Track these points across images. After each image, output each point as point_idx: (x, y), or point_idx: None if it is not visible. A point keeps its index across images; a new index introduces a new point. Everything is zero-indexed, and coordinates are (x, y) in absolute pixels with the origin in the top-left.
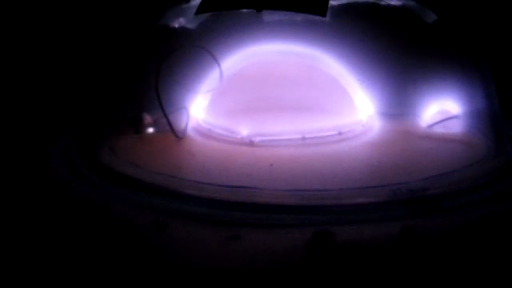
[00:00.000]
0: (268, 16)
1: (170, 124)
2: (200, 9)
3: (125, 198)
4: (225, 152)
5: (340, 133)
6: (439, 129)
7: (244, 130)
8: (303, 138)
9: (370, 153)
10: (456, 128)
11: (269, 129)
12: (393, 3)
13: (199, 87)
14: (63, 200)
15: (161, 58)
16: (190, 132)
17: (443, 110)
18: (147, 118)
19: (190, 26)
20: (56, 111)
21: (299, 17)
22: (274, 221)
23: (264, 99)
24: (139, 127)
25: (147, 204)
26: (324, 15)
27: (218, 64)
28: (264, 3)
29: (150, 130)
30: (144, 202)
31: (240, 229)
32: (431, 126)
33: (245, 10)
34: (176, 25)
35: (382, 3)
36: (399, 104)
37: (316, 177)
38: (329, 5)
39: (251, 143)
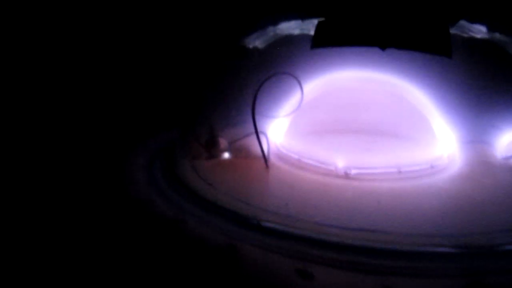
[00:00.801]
0: None
1: (263, 153)
2: (317, 43)
3: (237, 236)
4: (322, 185)
5: (432, 167)
6: None
7: (339, 161)
8: (399, 172)
9: (466, 187)
10: None
11: (364, 161)
12: (477, 35)
13: (276, 112)
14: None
15: (259, 84)
16: (273, 158)
17: None
18: (223, 142)
19: (270, 49)
20: (136, 123)
21: None
22: (423, 270)
23: (347, 125)
24: (214, 151)
25: (264, 245)
26: (449, 56)
27: (301, 89)
28: (388, 41)
29: (226, 155)
30: (264, 243)
31: (389, 279)
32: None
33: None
34: (258, 47)
35: (465, 35)
36: (477, 132)
37: (439, 219)
38: None
39: (346, 176)
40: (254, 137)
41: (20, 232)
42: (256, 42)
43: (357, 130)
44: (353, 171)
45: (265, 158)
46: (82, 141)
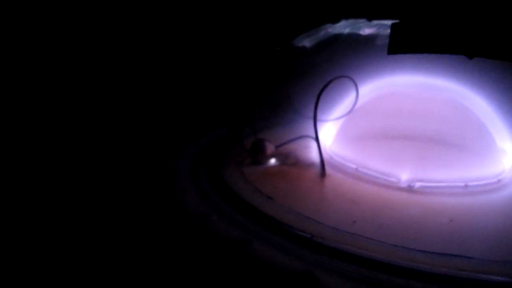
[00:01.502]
0: None
1: (322, 161)
2: (394, 48)
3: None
4: (385, 199)
5: (499, 181)
6: None
7: (402, 173)
8: (466, 186)
9: None
10: None
11: (427, 174)
12: None
13: (325, 115)
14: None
15: (321, 89)
16: (325, 166)
17: None
18: (270, 147)
19: (319, 49)
20: (177, 125)
21: None
22: None
23: (402, 133)
24: (260, 157)
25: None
26: None
27: (357, 92)
28: (475, 49)
29: (272, 161)
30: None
31: None
32: None
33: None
34: (306, 47)
35: None
36: None
37: None
38: None
39: (409, 189)
40: (301, 142)
41: (61, 243)
42: (305, 41)
43: (413, 139)
44: (417, 184)
45: (323, 167)
46: (120, 144)
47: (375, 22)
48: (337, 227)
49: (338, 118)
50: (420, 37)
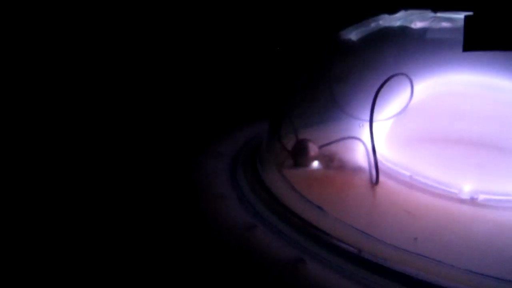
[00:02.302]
0: None
1: (377, 167)
2: (470, 44)
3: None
4: (446, 212)
5: None
6: None
7: (463, 183)
8: None
9: None
10: None
11: (491, 184)
12: None
13: (375, 115)
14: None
15: (378, 88)
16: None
17: None
18: (313, 149)
19: (365, 42)
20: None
21: None
22: None
23: (459, 137)
24: (303, 159)
25: None
26: None
27: (412, 90)
28: None
29: (315, 164)
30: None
31: None
32: None
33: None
34: (352, 39)
35: None
36: None
37: None
38: None
39: (472, 201)
40: (345, 143)
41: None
42: (352, 34)
43: (472, 143)
44: (481, 197)
45: (377, 173)
46: (148, 135)
47: (440, 14)
48: (398, 245)
49: (389, 118)
50: (503, 31)
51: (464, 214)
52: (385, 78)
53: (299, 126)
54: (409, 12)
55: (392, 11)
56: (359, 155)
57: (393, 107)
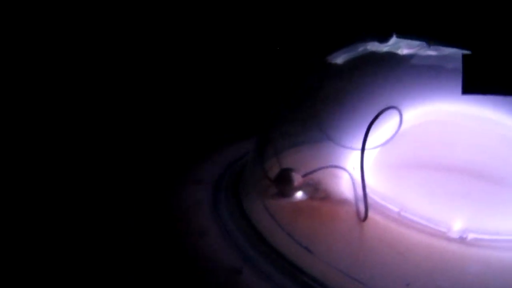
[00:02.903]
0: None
1: (366, 201)
2: (470, 86)
3: None
4: (437, 252)
5: None
6: None
7: (453, 222)
8: None
9: None
10: None
11: (480, 222)
12: None
13: (356, 142)
14: None
15: (371, 121)
16: (360, 205)
17: None
18: (297, 178)
19: (351, 66)
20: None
21: None
22: None
23: (448, 168)
24: (286, 189)
25: None
26: None
27: (400, 119)
28: None
29: (299, 194)
30: None
31: None
32: None
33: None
34: (338, 63)
35: None
36: None
37: None
38: None
39: (461, 240)
40: (329, 171)
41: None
42: (338, 58)
43: (459, 174)
44: (470, 236)
45: (366, 210)
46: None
47: (434, 48)
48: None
49: (376, 147)
50: (504, 74)
51: (454, 255)
52: (370, 104)
53: (282, 150)
54: (402, 40)
55: (385, 35)
56: (344, 185)
57: (378, 135)
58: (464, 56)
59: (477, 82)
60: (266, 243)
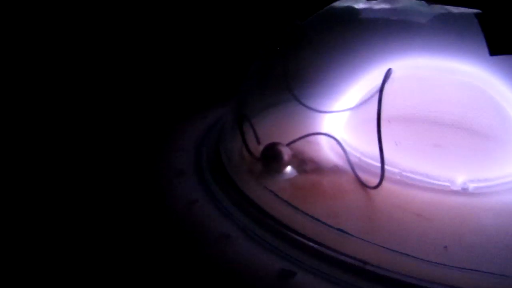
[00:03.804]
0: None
1: (383, 169)
2: (494, 50)
3: None
4: (447, 208)
5: None
6: None
7: (455, 175)
8: None
9: None
10: None
11: (474, 170)
12: None
13: (330, 105)
14: None
15: (383, 82)
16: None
17: None
18: (287, 153)
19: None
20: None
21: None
22: None
23: (429, 123)
24: (276, 166)
25: None
26: None
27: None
28: None
29: (289, 169)
30: None
31: None
32: None
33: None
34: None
35: None
36: None
37: None
38: None
39: (464, 192)
40: (309, 139)
41: None
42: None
43: (438, 126)
44: (471, 186)
45: (382, 174)
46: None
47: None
48: (431, 259)
49: (357, 107)
50: None
51: (466, 207)
52: (337, 64)
53: (256, 117)
54: None
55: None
56: (329, 152)
57: (350, 95)
58: (478, 16)
59: (503, 42)
60: (288, 229)
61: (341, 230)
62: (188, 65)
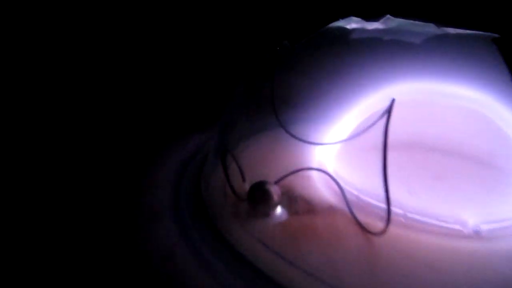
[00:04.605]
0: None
1: (389, 210)
2: None
3: None
4: (459, 255)
5: None
6: None
7: (466, 216)
8: None
9: None
10: None
11: (488, 210)
12: None
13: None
14: None
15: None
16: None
17: None
18: (276, 192)
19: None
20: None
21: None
22: None
23: (428, 152)
24: (264, 207)
25: None
26: None
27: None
28: None
29: (279, 210)
30: None
31: None
32: None
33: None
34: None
35: None
36: None
37: None
38: None
39: (477, 235)
40: (300, 175)
41: None
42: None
43: (440, 155)
44: (483, 227)
45: (388, 217)
46: None
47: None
48: None
49: (352, 138)
50: None
51: (480, 253)
52: (329, 88)
53: (241, 150)
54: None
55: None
56: (323, 189)
57: (344, 123)
58: (496, 40)
59: None
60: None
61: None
62: (170, 85)
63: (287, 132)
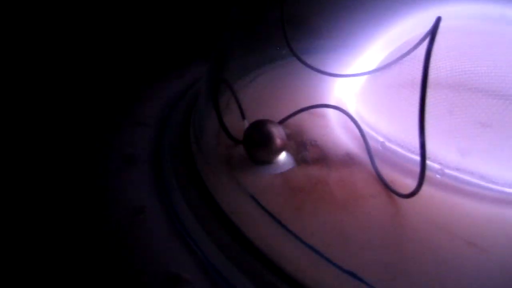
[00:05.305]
0: None
1: (423, 167)
2: None
3: None
4: (506, 230)
5: None
6: None
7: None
8: None
9: None
10: None
11: None
12: None
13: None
14: None
15: (430, 43)
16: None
17: None
18: (280, 135)
19: None
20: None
21: None
22: None
23: (471, 93)
24: (266, 155)
25: None
26: None
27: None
28: None
29: (283, 157)
30: None
31: None
32: None
33: None
34: None
35: None
36: None
37: None
38: None
39: None
40: (310, 113)
41: None
42: None
43: (492, 100)
44: None
45: (422, 173)
46: None
47: None
48: None
49: (377, 70)
50: None
51: None
52: (354, 8)
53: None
54: None
55: None
56: (340, 133)
57: (371, 52)
58: None
59: None
60: (273, 267)
61: (353, 275)
62: (164, 13)
63: (300, 60)
